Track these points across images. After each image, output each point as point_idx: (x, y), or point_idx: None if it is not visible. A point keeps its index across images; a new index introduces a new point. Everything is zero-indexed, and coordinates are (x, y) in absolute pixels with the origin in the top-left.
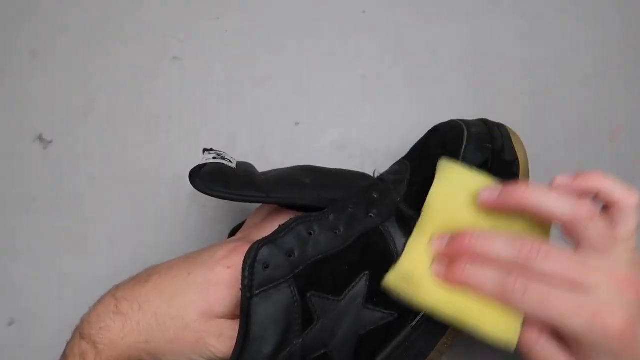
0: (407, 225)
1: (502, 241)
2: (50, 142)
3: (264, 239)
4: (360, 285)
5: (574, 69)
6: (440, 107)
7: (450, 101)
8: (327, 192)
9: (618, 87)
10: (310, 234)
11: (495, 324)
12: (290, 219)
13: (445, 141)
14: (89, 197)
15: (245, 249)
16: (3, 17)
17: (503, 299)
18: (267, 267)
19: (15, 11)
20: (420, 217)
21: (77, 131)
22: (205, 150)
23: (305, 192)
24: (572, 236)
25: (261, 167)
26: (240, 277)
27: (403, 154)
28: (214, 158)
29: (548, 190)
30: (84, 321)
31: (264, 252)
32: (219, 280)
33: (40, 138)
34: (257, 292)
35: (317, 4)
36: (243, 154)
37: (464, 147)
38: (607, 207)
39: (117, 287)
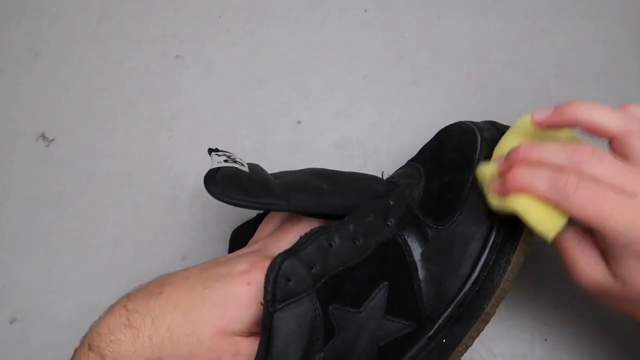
0: (424, 233)
1: (556, 146)
2: (52, 140)
3: (286, 251)
4: (380, 296)
5: (574, 68)
6: (441, 107)
7: (452, 101)
8: (344, 199)
9: (619, 87)
10: (331, 244)
11: (541, 222)
12: (311, 229)
13: (460, 145)
14: (90, 195)
15: (266, 264)
16: (4, 17)
17: (554, 197)
18: (289, 280)
19: (17, 10)
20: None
21: (79, 130)
22: (210, 150)
23: (324, 198)
24: (620, 151)
25: (262, 166)
26: (260, 293)
27: (404, 154)
28: (225, 161)
29: (597, 106)
30: (93, 332)
31: (286, 265)
32: (237, 296)
33: (43, 136)
34: (279, 306)
35: (318, 2)
36: (244, 153)
37: (478, 151)
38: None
39: (128, 297)
